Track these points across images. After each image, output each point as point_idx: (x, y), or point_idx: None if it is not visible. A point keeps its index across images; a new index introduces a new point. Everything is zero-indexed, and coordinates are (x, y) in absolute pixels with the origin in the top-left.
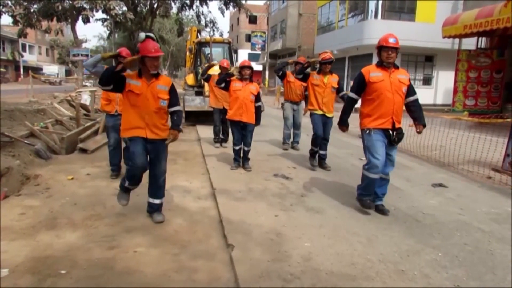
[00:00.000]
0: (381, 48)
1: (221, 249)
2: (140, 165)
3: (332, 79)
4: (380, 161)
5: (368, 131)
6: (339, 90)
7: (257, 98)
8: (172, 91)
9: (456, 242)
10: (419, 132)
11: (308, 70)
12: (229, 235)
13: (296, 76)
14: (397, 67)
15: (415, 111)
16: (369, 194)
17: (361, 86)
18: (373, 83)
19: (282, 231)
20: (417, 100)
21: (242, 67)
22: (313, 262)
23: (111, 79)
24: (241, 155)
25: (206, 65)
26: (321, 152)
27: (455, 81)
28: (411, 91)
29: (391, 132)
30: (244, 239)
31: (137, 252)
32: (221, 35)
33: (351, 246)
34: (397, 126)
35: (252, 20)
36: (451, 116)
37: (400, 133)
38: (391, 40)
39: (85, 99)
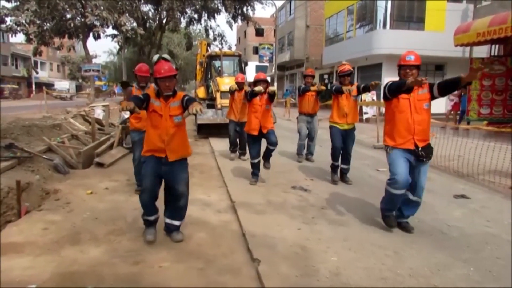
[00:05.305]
0: (400, 66)
1: (247, 263)
2: (149, 186)
3: (352, 88)
4: (402, 176)
5: (388, 149)
6: (359, 88)
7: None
8: (184, 97)
9: (487, 255)
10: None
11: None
12: (254, 249)
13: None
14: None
15: (444, 84)
16: (392, 209)
17: (399, 89)
18: (398, 98)
19: (306, 245)
20: (437, 83)
21: (257, 81)
22: (342, 277)
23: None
24: (264, 152)
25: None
26: (343, 166)
27: (469, 90)
28: (433, 88)
29: (416, 151)
30: (269, 253)
31: (162, 267)
32: (230, 48)
33: (379, 260)
34: (420, 145)
35: (259, 32)
36: (470, 126)
37: (427, 148)
38: (407, 58)
39: (98, 113)
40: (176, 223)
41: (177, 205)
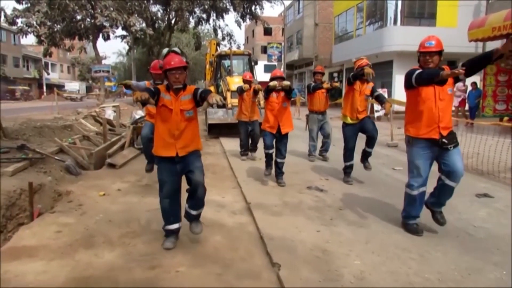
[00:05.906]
0: (420, 53)
1: (266, 267)
2: (167, 194)
3: (367, 87)
4: (421, 178)
5: (409, 140)
6: (372, 93)
7: (289, 96)
8: (196, 90)
9: None
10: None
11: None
12: (273, 252)
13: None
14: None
15: (470, 63)
16: (414, 216)
17: (430, 80)
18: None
19: (327, 248)
20: (461, 64)
21: (274, 79)
22: (367, 281)
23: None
24: (274, 166)
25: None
26: (368, 149)
27: (484, 86)
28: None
29: (439, 140)
30: (289, 257)
31: (179, 272)
32: (238, 47)
33: (404, 264)
34: (444, 133)
35: (268, 31)
36: (489, 122)
37: (449, 135)
38: (427, 44)
39: (109, 114)
40: (194, 212)
41: (195, 196)
